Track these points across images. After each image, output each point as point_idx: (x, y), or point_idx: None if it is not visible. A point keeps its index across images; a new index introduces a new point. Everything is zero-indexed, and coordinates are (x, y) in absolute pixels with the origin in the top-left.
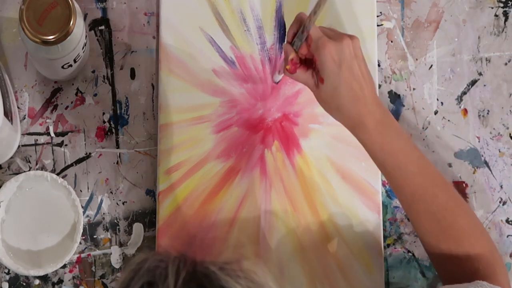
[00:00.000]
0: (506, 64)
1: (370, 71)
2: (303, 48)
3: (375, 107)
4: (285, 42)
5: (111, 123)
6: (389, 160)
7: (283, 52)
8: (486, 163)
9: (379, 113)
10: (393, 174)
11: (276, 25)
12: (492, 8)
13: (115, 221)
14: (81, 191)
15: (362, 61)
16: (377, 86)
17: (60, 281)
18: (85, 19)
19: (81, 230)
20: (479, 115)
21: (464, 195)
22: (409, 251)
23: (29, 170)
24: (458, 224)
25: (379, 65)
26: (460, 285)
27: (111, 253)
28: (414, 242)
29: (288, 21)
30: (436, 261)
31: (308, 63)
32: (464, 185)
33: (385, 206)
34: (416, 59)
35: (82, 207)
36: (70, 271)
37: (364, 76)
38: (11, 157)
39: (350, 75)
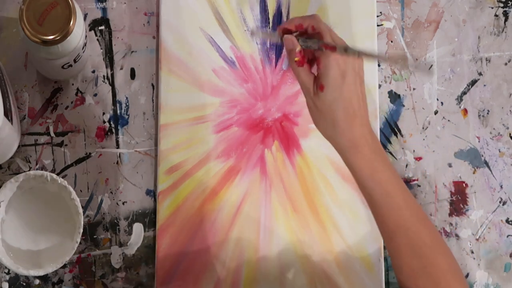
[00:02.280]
0: (506, 64)
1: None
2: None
3: (369, 131)
4: (281, 28)
5: (111, 123)
6: (378, 189)
7: (283, 42)
8: (486, 163)
9: (371, 138)
10: (379, 204)
11: (276, 25)
12: (492, 8)
13: (115, 221)
14: (81, 191)
15: (363, 82)
16: (376, 87)
17: (60, 281)
18: (85, 19)
19: (81, 230)
20: (479, 115)
21: (464, 195)
22: None
23: (29, 170)
24: (437, 263)
25: (379, 65)
26: None
27: (111, 253)
28: None
29: None
30: None
31: (312, 63)
32: (464, 185)
33: None
34: (416, 59)
35: (82, 207)
36: (70, 271)
37: (363, 97)
38: (11, 157)
39: (352, 89)
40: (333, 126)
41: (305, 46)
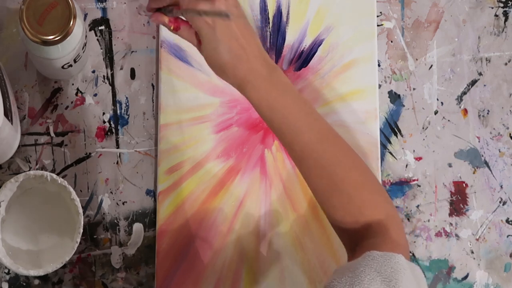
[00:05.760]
0: (506, 64)
1: (251, 27)
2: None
3: (260, 64)
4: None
5: (111, 123)
6: (276, 117)
7: (151, 18)
8: (486, 163)
9: (265, 69)
10: (281, 131)
11: (276, 25)
12: (492, 8)
13: (115, 221)
14: (81, 191)
15: (240, 18)
16: (376, 87)
17: (60, 281)
18: (85, 19)
19: (81, 230)
20: (479, 115)
21: (464, 195)
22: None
23: (29, 170)
24: (349, 179)
25: (379, 65)
26: (351, 262)
27: (111, 253)
28: (414, 242)
29: (288, 21)
30: (332, 222)
31: None
32: (464, 185)
33: None
34: (416, 59)
35: (82, 207)
36: (70, 271)
37: (243, 34)
38: (11, 157)
39: (227, 35)
40: (222, 71)
41: (170, 16)
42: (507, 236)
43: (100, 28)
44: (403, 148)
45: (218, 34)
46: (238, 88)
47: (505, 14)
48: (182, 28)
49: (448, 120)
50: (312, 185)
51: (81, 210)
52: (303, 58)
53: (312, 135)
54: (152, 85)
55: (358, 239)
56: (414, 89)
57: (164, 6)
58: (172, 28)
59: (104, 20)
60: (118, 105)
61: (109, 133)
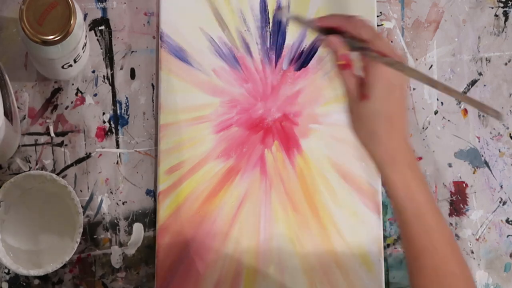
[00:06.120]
0: (506, 64)
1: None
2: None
3: (406, 145)
4: (321, 23)
5: (111, 123)
6: (411, 208)
7: (321, 41)
8: (486, 163)
9: (408, 152)
10: (410, 224)
11: (276, 25)
12: (492, 8)
13: (115, 221)
14: (81, 191)
15: (408, 95)
16: None
17: (60, 281)
18: (85, 19)
19: (81, 230)
20: (479, 115)
21: (464, 195)
22: None
23: (29, 170)
24: None
25: None
26: None
27: (111, 253)
28: None
29: (288, 21)
30: None
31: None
32: (464, 185)
33: (385, 206)
34: (416, 59)
35: (82, 207)
36: (70, 271)
37: (405, 110)
38: (11, 157)
39: (397, 103)
40: (371, 136)
41: (351, 48)
42: (507, 236)
43: (100, 28)
44: None
45: (390, 98)
46: (379, 164)
47: (505, 14)
48: (349, 73)
49: (448, 120)
50: (420, 284)
51: (81, 210)
52: (303, 58)
53: (439, 236)
54: (152, 85)
55: None
56: (414, 89)
57: (342, 29)
58: (340, 63)
59: (104, 20)
60: (118, 105)
61: (109, 133)
